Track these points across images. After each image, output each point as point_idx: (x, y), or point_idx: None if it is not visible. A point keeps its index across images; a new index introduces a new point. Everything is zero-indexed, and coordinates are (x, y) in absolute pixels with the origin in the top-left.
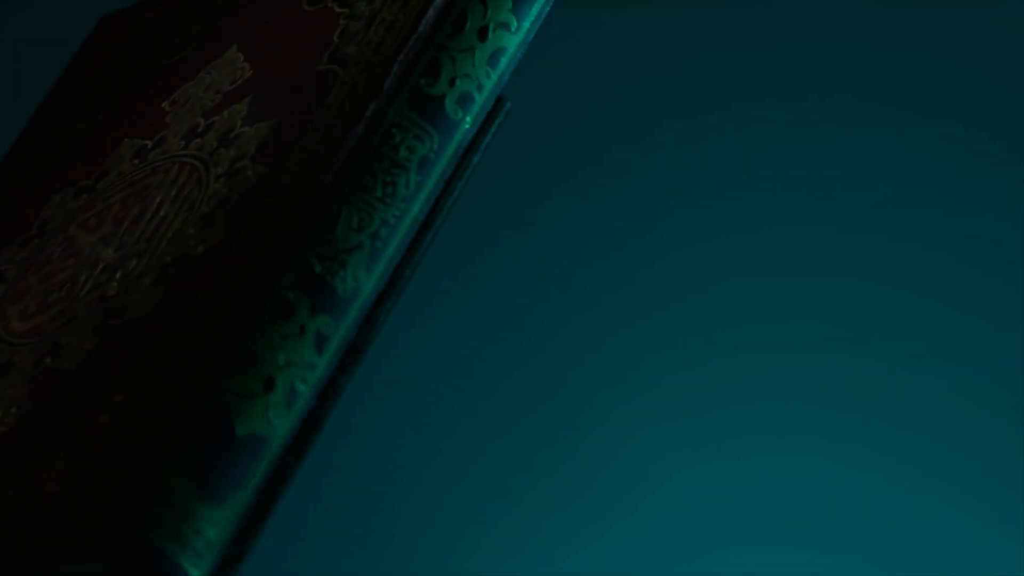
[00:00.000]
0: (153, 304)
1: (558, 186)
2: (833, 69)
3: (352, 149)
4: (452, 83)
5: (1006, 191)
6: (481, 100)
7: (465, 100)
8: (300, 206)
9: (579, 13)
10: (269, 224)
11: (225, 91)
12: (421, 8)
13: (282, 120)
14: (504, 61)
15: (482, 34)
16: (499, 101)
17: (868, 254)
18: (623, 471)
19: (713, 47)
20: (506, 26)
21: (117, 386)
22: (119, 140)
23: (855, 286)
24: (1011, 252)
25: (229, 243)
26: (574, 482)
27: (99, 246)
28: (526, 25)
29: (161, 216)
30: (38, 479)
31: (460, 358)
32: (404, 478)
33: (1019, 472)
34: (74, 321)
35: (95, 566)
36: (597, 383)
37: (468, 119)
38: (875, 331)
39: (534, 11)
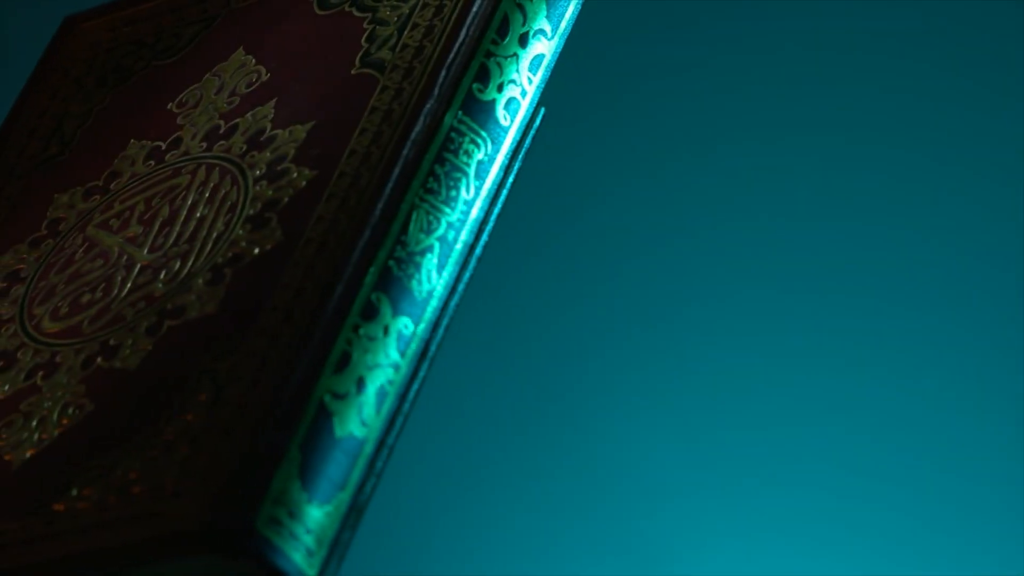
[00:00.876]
0: (214, 305)
1: (568, 188)
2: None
3: (416, 151)
4: (500, 88)
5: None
6: (525, 106)
7: (511, 105)
8: (367, 208)
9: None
10: (333, 226)
11: (242, 93)
12: (460, 14)
13: (319, 123)
14: (542, 67)
15: (523, 40)
16: (536, 107)
17: (872, 257)
18: (626, 474)
19: (719, 39)
20: (543, 32)
21: (195, 386)
22: (125, 141)
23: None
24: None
25: (289, 245)
26: (576, 485)
27: (129, 247)
28: (558, 31)
29: (198, 217)
30: (118, 479)
31: (468, 360)
32: (407, 479)
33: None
34: (120, 321)
35: (211, 564)
36: (607, 386)
37: (514, 125)
38: (876, 334)
39: (564, 18)
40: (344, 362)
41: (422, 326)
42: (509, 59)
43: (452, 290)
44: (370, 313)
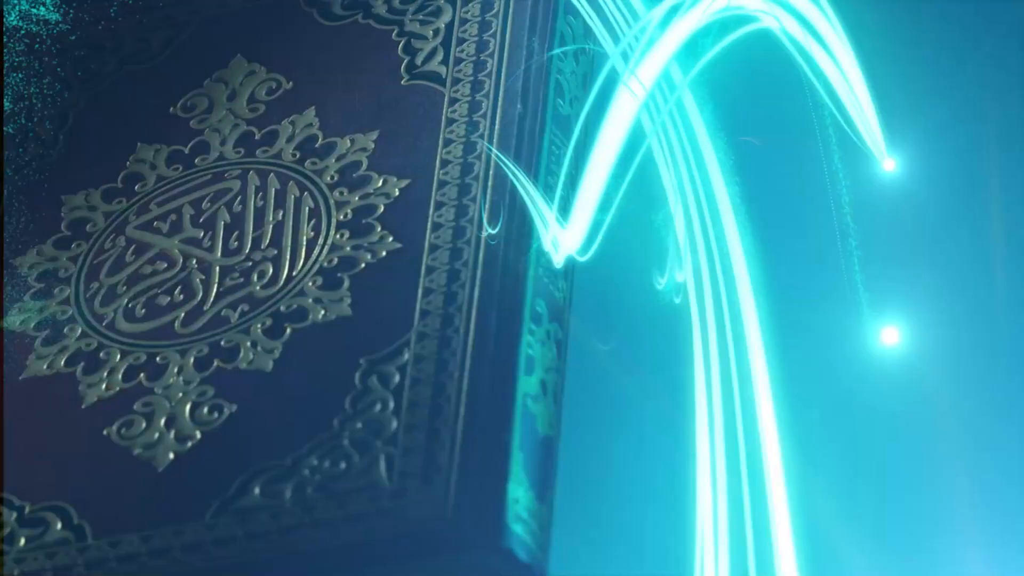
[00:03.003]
0: (344, 308)
1: None
2: None
3: (525, 164)
4: (572, 104)
5: None
6: (582, 120)
7: (579, 121)
8: (494, 216)
9: None
10: (459, 233)
11: (264, 101)
12: (514, 31)
13: (385, 132)
14: (590, 83)
15: (576, 58)
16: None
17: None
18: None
19: None
20: (584, 51)
21: (364, 387)
22: (128, 143)
23: None
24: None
25: (411, 251)
26: (575, 484)
27: (194, 250)
28: (591, 50)
29: (272, 222)
30: (310, 479)
31: None
32: None
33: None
34: (223, 323)
35: (449, 562)
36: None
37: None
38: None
39: (590, 37)
40: (530, 365)
41: (565, 331)
42: (571, 76)
43: (571, 297)
44: (536, 318)
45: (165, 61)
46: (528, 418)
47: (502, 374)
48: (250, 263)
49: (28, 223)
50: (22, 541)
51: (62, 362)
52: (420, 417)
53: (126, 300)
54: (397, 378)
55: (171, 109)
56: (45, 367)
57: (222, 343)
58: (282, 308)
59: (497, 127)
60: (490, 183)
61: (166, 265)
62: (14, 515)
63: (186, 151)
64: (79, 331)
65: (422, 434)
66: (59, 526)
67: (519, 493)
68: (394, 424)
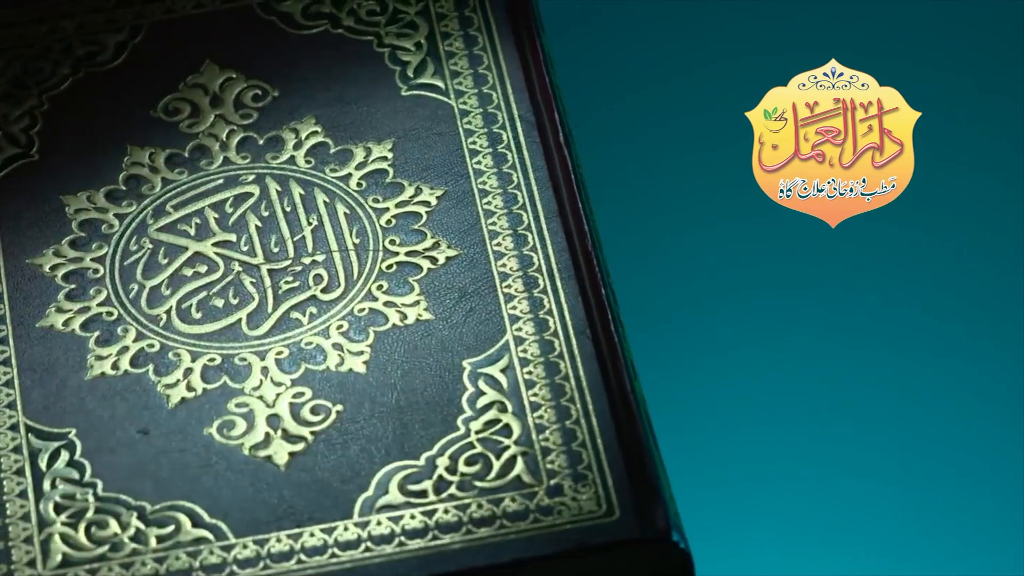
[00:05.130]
0: (423, 311)
1: None
2: None
3: (565, 177)
4: (567, 116)
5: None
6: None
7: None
8: (554, 227)
9: None
10: (522, 241)
11: (253, 107)
12: (504, 46)
13: (398, 139)
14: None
15: (555, 74)
16: None
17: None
18: None
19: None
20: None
21: (475, 387)
22: (115, 144)
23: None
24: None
25: (474, 258)
26: None
27: (234, 253)
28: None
29: (309, 226)
30: (449, 479)
31: None
32: None
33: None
34: (296, 325)
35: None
36: None
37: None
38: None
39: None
40: (634, 370)
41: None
42: (559, 90)
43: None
44: (620, 323)
45: (125, 65)
46: (647, 417)
47: (618, 376)
48: (300, 267)
49: (25, 223)
50: (153, 541)
51: (127, 363)
52: (547, 419)
53: (175, 302)
54: (506, 381)
55: (152, 112)
56: (110, 368)
57: (302, 345)
58: (355, 311)
59: (523, 140)
60: (536, 194)
61: (206, 268)
62: (135, 514)
63: (185, 155)
64: (134, 332)
65: (556, 435)
66: (190, 525)
67: (670, 491)
68: (519, 425)
